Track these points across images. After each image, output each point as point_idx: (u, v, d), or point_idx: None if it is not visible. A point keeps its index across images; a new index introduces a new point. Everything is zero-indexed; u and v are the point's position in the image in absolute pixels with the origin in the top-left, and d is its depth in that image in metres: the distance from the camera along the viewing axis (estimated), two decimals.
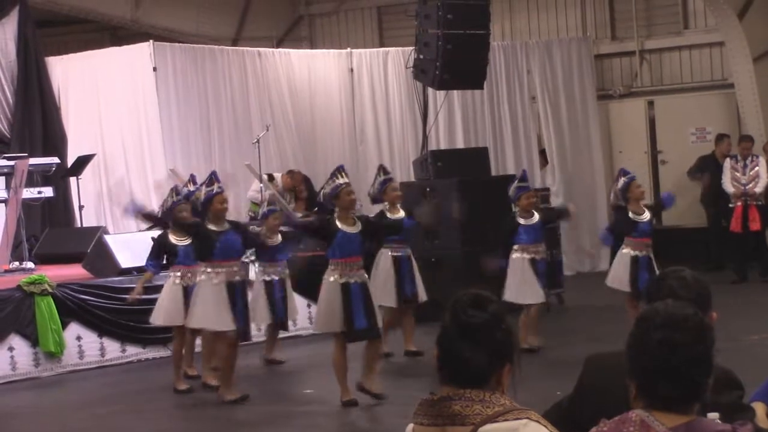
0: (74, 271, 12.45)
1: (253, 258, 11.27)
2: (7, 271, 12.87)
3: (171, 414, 9.51)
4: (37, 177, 14.41)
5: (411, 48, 14.29)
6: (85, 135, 15.63)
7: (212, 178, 9.45)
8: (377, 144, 17.20)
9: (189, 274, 9.84)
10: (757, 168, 15.03)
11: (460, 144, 16.70)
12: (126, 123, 15.39)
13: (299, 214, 14.76)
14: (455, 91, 15.94)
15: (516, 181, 11.25)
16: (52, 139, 15.57)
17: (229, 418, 9.15)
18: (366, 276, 9.12)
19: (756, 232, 14.96)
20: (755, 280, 14.82)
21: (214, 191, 9.27)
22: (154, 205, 13.09)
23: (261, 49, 16.90)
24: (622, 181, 10.62)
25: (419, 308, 11.00)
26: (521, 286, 10.71)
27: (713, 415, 2.76)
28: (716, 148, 15.68)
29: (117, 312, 11.52)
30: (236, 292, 9.24)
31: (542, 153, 17.22)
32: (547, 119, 17.17)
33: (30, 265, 13.12)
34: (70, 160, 15.19)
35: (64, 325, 11.13)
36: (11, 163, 13.56)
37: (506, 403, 2.70)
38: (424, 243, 13.05)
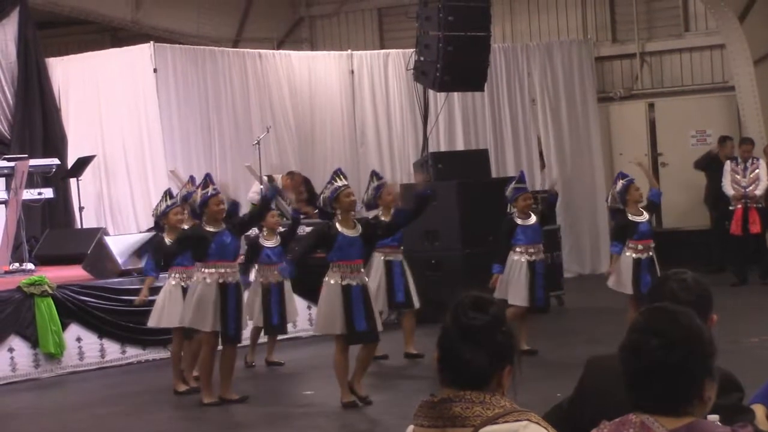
0: (74, 273, 12.45)
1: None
2: (7, 273, 12.87)
3: (171, 415, 9.51)
4: (38, 178, 14.41)
5: (411, 50, 14.30)
6: (85, 136, 15.63)
7: (207, 180, 9.46)
8: (378, 146, 17.20)
9: (186, 276, 9.85)
10: (757, 171, 15.04)
11: (460, 146, 16.70)
12: (126, 124, 15.39)
13: (302, 215, 14.77)
14: (456, 93, 15.95)
15: (513, 183, 11.23)
16: (53, 140, 15.57)
17: (229, 419, 9.15)
18: (366, 279, 9.14)
19: (756, 235, 14.97)
20: (755, 283, 14.82)
21: (210, 193, 9.29)
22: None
23: (261, 51, 16.91)
24: (620, 184, 10.66)
25: (419, 310, 11.00)
26: (509, 284, 10.74)
27: (713, 418, 2.76)
28: (719, 150, 15.69)
29: (117, 313, 11.52)
30: (229, 294, 9.24)
31: (542, 155, 17.23)
32: (548, 121, 17.17)
33: (30, 266, 13.13)
34: (71, 162, 15.20)
35: (64, 327, 11.13)
36: (11, 164, 13.56)
37: (506, 405, 2.71)
38: (423, 244, 13.07)
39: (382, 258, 10.81)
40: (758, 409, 3.57)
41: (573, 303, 14.13)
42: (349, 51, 17.56)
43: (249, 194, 15.08)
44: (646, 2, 17.87)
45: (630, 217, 10.57)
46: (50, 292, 11.04)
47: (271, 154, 15.96)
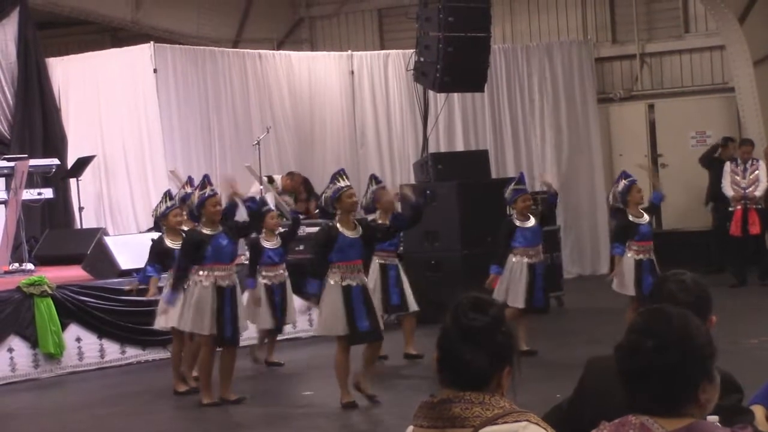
0: (74, 273, 12.45)
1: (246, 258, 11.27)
2: (6, 273, 12.87)
3: (170, 416, 9.51)
4: (37, 178, 14.42)
5: (411, 50, 14.30)
6: (85, 136, 15.63)
7: (205, 181, 9.45)
8: (377, 146, 17.21)
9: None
10: (757, 172, 15.05)
11: (460, 147, 16.71)
12: (126, 124, 15.39)
13: (302, 216, 14.78)
14: (456, 94, 15.95)
15: (512, 184, 11.19)
16: (52, 140, 15.58)
17: (229, 420, 9.15)
18: (365, 279, 9.14)
19: (755, 236, 14.98)
20: (754, 284, 14.82)
21: (207, 194, 9.28)
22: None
23: (261, 51, 16.91)
24: (622, 184, 10.65)
25: (419, 311, 11.00)
26: (509, 287, 10.72)
27: (713, 418, 2.76)
28: (722, 151, 15.70)
29: (117, 314, 11.52)
30: (225, 297, 9.23)
31: None
32: (547, 122, 17.16)
33: (30, 266, 13.13)
34: (70, 162, 15.20)
35: (64, 327, 11.13)
36: (11, 164, 13.57)
37: (506, 406, 2.71)
38: (423, 245, 13.07)
39: (378, 261, 10.81)
40: (758, 410, 3.58)
41: (573, 304, 14.14)
42: (349, 51, 17.57)
43: (248, 195, 15.07)
44: (646, 3, 17.88)
45: (630, 218, 10.57)
46: (50, 292, 11.04)
47: (271, 154, 15.97)
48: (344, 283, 8.81)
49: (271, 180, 15.25)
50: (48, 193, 14.42)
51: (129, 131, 15.39)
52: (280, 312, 10.67)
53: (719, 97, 17.33)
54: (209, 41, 18.11)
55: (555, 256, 14.16)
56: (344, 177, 9.07)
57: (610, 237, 11.59)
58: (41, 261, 13.73)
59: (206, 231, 9.23)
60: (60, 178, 15.06)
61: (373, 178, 11.18)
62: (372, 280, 10.57)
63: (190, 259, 9.19)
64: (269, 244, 10.65)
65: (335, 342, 9.08)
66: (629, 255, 10.54)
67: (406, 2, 16.88)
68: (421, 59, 13.79)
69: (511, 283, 10.76)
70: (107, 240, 12.59)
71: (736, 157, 15.26)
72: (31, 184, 14.01)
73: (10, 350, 10.84)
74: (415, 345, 11.00)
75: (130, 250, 12.08)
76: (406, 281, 10.98)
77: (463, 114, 16.96)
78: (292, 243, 11.45)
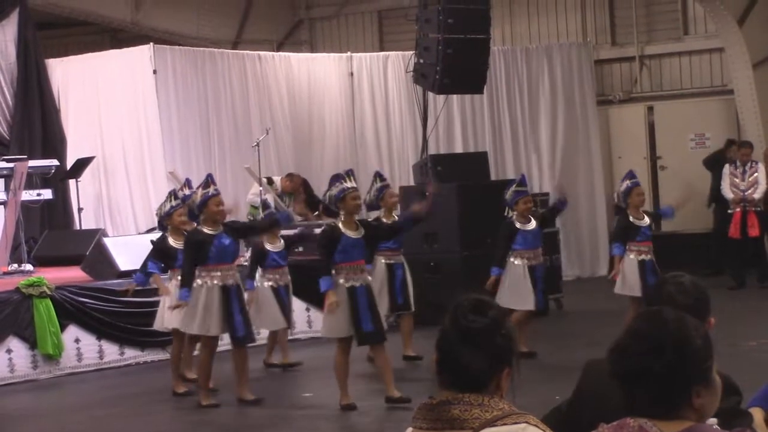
0: (73, 274, 12.45)
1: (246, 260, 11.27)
2: (5, 273, 12.87)
3: (170, 417, 9.50)
4: (37, 179, 14.41)
5: (411, 52, 14.30)
6: (84, 137, 15.63)
7: (208, 180, 9.44)
8: (377, 148, 17.21)
9: None
10: (756, 174, 15.06)
11: (459, 148, 16.71)
12: (126, 125, 15.39)
13: (299, 217, 14.78)
14: (455, 96, 15.95)
15: (513, 185, 11.16)
16: (52, 141, 15.58)
17: (228, 421, 9.15)
18: (369, 279, 9.13)
19: (755, 238, 14.98)
20: (753, 286, 14.83)
21: (210, 193, 9.26)
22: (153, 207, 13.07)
23: (261, 53, 16.92)
24: (625, 184, 10.66)
25: (418, 313, 11.00)
26: (512, 291, 10.69)
27: (711, 421, 2.75)
28: (726, 153, 15.70)
29: (116, 315, 11.52)
30: (232, 296, 9.22)
31: None
32: (547, 124, 17.17)
33: (29, 267, 13.13)
34: (70, 163, 15.20)
35: (63, 328, 11.12)
36: (10, 165, 13.56)
37: (505, 408, 2.71)
38: (423, 246, 13.07)
39: (384, 261, 10.81)
40: (756, 413, 3.58)
41: (572, 306, 14.13)
42: (349, 53, 17.57)
43: (248, 196, 15.09)
44: (645, 5, 17.89)
45: (631, 219, 10.58)
46: (49, 293, 11.03)
47: (270, 155, 15.96)
48: (348, 285, 8.81)
49: (270, 181, 15.25)
50: (47, 193, 14.41)
51: (128, 132, 15.39)
52: (289, 311, 10.67)
53: (718, 99, 17.34)
54: (209, 42, 18.12)
55: (554, 258, 14.16)
56: (351, 178, 9.06)
57: (611, 237, 11.55)
58: (40, 262, 13.73)
59: (208, 231, 9.22)
60: (59, 179, 15.05)
61: (378, 176, 11.18)
62: (378, 280, 10.56)
63: (194, 258, 9.17)
64: (273, 247, 10.63)
65: (335, 343, 9.07)
66: (631, 256, 10.54)
67: (406, 4, 16.87)
68: (421, 61, 13.79)
69: (515, 286, 10.72)
70: (106, 241, 12.58)
71: (735, 160, 15.27)
72: (30, 184, 14.01)
73: (9, 351, 10.84)
74: (413, 347, 11.00)
75: (130, 251, 12.07)
76: (410, 281, 10.99)
77: (463, 116, 16.97)
78: (293, 247, 11.45)
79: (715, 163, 15.75)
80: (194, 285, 9.17)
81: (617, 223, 11.01)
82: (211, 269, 9.17)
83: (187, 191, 10.30)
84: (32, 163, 13.93)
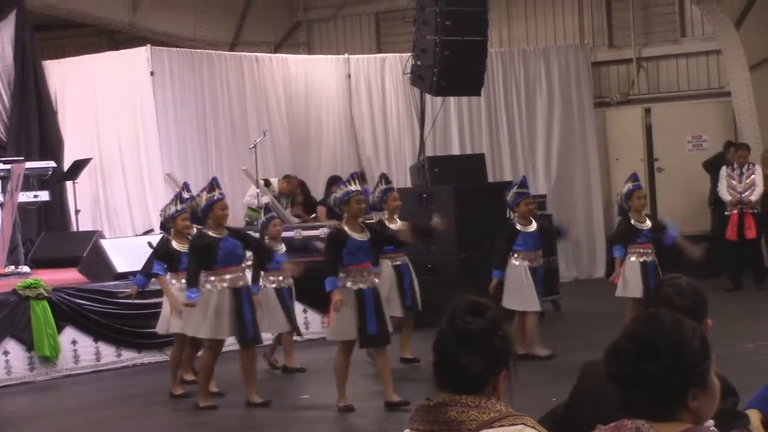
0: (70, 276, 12.44)
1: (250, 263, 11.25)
2: (2, 275, 12.86)
3: (167, 418, 9.50)
4: (34, 181, 14.40)
5: (408, 54, 14.30)
6: (81, 139, 15.62)
7: (213, 183, 9.43)
8: (374, 150, 17.21)
9: None
10: (753, 176, 15.07)
11: (456, 150, 16.71)
12: (123, 127, 15.38)
13: (296, 220, 14.78)
14: (452, 98, 15.96)
15: (515, 187, 11.16)
16: (49, 142, 15.57)
17: (226, 423, 9.14)
18: (376, 281, 9.11)
19: (751, 240, 14.99)
20: (750, 288, 14.84)
21: (215, 197, 9.26)
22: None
23: (258, 54, 16.91)
24: (627, 187, 10.70)
25: (416, 315, 11.00)
26: (519, 293, 10.69)
27: (708, 423, 2.76)
28: (727, 155, 15.71)
29: (112, 316, 11.51)
30: (242, 299, 9.22)
31: None
32: (544, 126, 17.17)
33: (26, 269, 13.12)
34: (67, 164, 15.19)
35: (60, 330, 11.12)
36: (7, 166, 13.56)
37: (502, 409, 2.71)
38: (420, 248, 13.05)
39: (391, 263, 10.79)
40: (753, 414, 3.58)
41: (569, 308, 14.13)
42: (346, 55, 17.57)
43: (245, 198, 15.08)
44: (642, 8, 17.89)
45: (633, 222, 10.60)
46: (46, 295, 11.03)
47: (268, 157, 15.96)
48: (356, 287, 8.80)
49: (267, 183, 15.24)
50: (44, 195, 14.41)
51: (126, 134, 15.37)
52: (292, 315, 10.66)
53: (715, 101, 17.35)
54: (206, 44, 18.11)
55: (551, 260, 14.16)
56: (356, 181, 9.06)
57: (612, 239, 11.56)
58: (37, 264, 13.72)
59: (213, 234, 9.22)
60: (56, 181, 15.04)
61: (383, 178, 11.18)
62: (386, 284, 10.52)
63: (200, 261, 9.16)
64: (276, 250, 10.61)
65: (334, 344, 9.06)
66: (633, 259, 10.56)
67: (404, 6, 16.90)
68: (418, 63, 13.80)
69: (518, 288, 10.72)
70: (103, 243, 12.57)
71: (732, 162, 15.28)
72: (27, 186, 14.00)
73: (6, 353, 10.83)
74: (411, 349, 11.00)
75: (127, 252, 12.06)
76: (415, 280, 11.00)
77: (460, 118, 16.97)
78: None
79: (714, 166, 15.76)
80: (204, 289, 9.14)
81: (618, 225, 11.04)
82: (221, 273, 9.15)
83: (186, 195, 10.27)
84: (29, 164, 13.93)
